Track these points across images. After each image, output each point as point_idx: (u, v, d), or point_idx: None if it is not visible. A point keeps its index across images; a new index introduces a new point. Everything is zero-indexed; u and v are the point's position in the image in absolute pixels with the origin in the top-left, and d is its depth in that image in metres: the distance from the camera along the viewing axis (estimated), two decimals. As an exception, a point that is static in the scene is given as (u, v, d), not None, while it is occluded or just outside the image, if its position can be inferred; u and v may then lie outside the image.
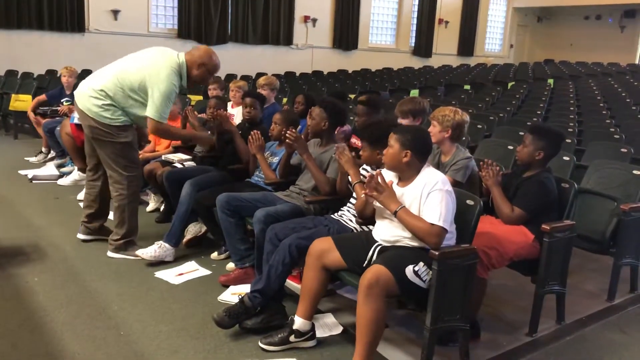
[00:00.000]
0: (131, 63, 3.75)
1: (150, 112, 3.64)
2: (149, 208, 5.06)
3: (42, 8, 11.75)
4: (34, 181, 5.90)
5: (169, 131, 4.01)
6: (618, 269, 3.63)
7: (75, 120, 5.55)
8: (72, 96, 6.49)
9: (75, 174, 5.78)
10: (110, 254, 3.95)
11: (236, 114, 5.21)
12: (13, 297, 3.27)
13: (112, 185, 3.89)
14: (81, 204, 5.01)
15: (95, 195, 4.10)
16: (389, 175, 2.82)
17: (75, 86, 6.43)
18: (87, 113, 3.70)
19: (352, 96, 9.50)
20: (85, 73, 6.83)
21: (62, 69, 6.91)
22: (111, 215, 4.06)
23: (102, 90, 3.66)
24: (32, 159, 6.87)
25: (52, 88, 9.73)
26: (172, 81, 3.65)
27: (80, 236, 4.20)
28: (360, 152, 3.18)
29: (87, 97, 3.71)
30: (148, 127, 3.74)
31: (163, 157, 4.72)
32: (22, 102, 8.38)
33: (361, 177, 3.09)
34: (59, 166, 6.31)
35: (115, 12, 12.62)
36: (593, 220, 3.56)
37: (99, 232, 4.21)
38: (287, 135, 3.51)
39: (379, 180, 2.64)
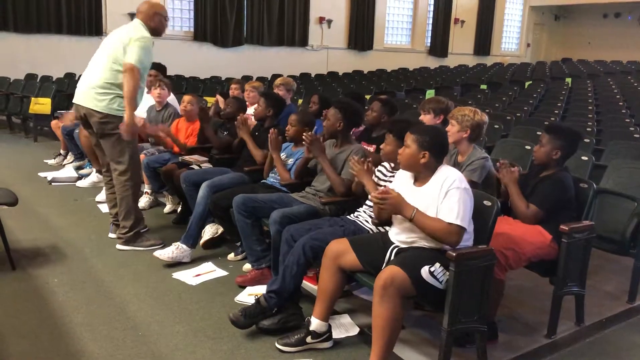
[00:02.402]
0: (110, 45, 3.92)
1: (129, 58, 3.79)
2: (166, 210, 5.10)
3: (60, 13, 11.91)
4: (53, 183, 5.97)
5: (134, 84, 3.80)
6: (639, 270, 3.58)
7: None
8: None
9: (94, 176, 5.84)
10: (120, 246, 4.06)
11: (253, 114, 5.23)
12: (33, 298, 3.32)
13: (117, 177, 4.03)
14: (100, 206, 5.11)
15: None
16: (404, 175, 2.82)
17: None
18: (96, 109, 3.85)
19: (368, 97, 9.49)
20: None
21: None
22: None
23: (106, 83, 3.84)
24: (51, 161, 6.96)
25: (71, 91, 9.89)
26: (145, 34, 3.90)
27: (113, 235, 4.29)
28: (382, 146, 3.16)
29: (93, 96, 3.87)
30: (124, 70, 3.81)
31: (180, 159, 4.75)
32: (41, 105, 8.49)
33: (376, 178, 3.09)
34: (77, 168, 6.38)
35: (132, 16, 12.64)
36: (613, 220, 3.51)
37: None
38: (303, 138, 3.52)
39: (381, 196, 2.61)
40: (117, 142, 3.93)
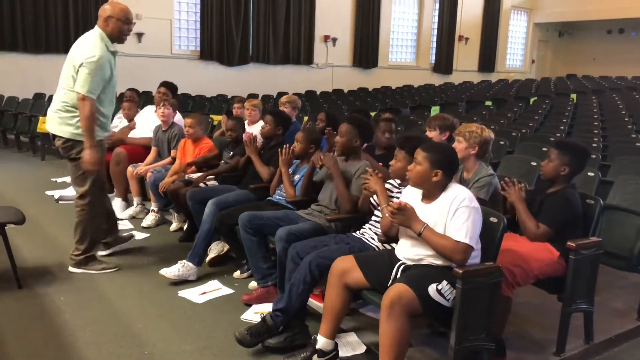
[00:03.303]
0: (68, 63, 3.76)
1: (78, 86, 3.61)
2: (172, 227, 5.10)
3: (69, 33, 12.05)
4: (60, 202, 5.99)
5: (89, 114, 3.63)
6: (647, 287, 3.55)
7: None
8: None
9: (101, 194, 5.85)
10: (71, 269, 4.00)
11: (254, 132, 5.24)
12: (39, 316, 3.32)
13: (76, 200, 3.97)
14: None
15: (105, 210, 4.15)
16: (412, 192, 2.81)
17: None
18: (64, 135, 3.77)
19: (373, 114, 9.52)
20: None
21: None
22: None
23: (67, 106, 3.71)
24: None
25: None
26: (96, 54, 3.64)
27: (101, 253, 4.24)
28: (391, 163, 3.17)
29: (56, 120, 3.78)
30: (78, 100, 3.64)
31: (186, 177, 4.77)
32: (49, 124, 8.53)
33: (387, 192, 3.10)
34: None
35: (139, 35, 12.87)
36: (620, 237, 3.49)
37: (117, 242, 4.35)
38: (321, 161, 3.57)
39: (398, 207, 2.63)
40: (80, 166, 3.82)
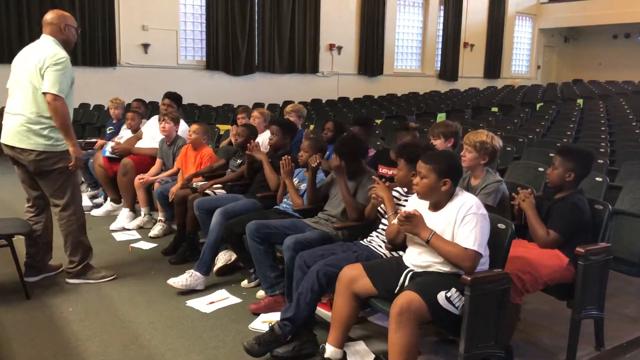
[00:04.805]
0: (27, 72, 3.60)
1: (48, 87, 3.51)
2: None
3: (76, 45, 12.07)
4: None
5: (64, 113, 3.59)
6: (658, 292, 3.52)
7: (107, 154, 5.68)
8: (117, 125, 6.64)
9: (108, 205, 5.88)
10: (70, 281, 3.95)
11: (259, 141, 5.23)
12: (48, 327, 3.33)
13: (59, 214, 3.84)
14: (114, 235, 5.14)
15: (42, 231, 3.97)
16: (419, 201, 2.80)
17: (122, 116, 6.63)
18: (31, 147, 3.61)
19: (379, 121, 9.54)
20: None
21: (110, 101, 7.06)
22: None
23: (37, 117, 3.58)
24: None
25: (85, 121, 10.00)
26: (61, 54, 3.60)
27: (30, 279, 3.91)
28: (395, 172, 3.16)
29: (24, 134, 3.60)
30: (47, 101, 3.54)
31: (194, 185, 4.77)
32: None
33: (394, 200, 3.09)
34: (91, 197, 6.42)
35: (146, 46, 12.96)
36: (630, 242, 3.47)
37: (48, 268, 4.11)
38: (333, 165, 3.53)
39: (407, 214, 2.62)
40: (58, 177, 3.72)
